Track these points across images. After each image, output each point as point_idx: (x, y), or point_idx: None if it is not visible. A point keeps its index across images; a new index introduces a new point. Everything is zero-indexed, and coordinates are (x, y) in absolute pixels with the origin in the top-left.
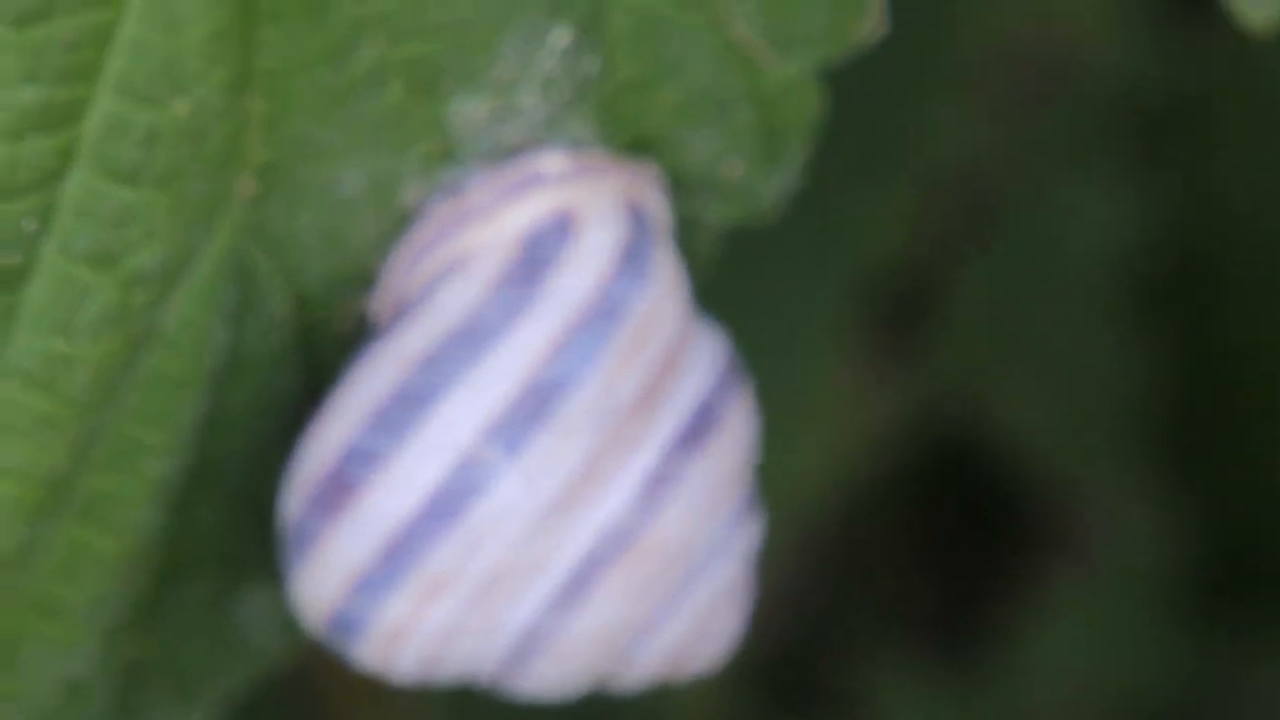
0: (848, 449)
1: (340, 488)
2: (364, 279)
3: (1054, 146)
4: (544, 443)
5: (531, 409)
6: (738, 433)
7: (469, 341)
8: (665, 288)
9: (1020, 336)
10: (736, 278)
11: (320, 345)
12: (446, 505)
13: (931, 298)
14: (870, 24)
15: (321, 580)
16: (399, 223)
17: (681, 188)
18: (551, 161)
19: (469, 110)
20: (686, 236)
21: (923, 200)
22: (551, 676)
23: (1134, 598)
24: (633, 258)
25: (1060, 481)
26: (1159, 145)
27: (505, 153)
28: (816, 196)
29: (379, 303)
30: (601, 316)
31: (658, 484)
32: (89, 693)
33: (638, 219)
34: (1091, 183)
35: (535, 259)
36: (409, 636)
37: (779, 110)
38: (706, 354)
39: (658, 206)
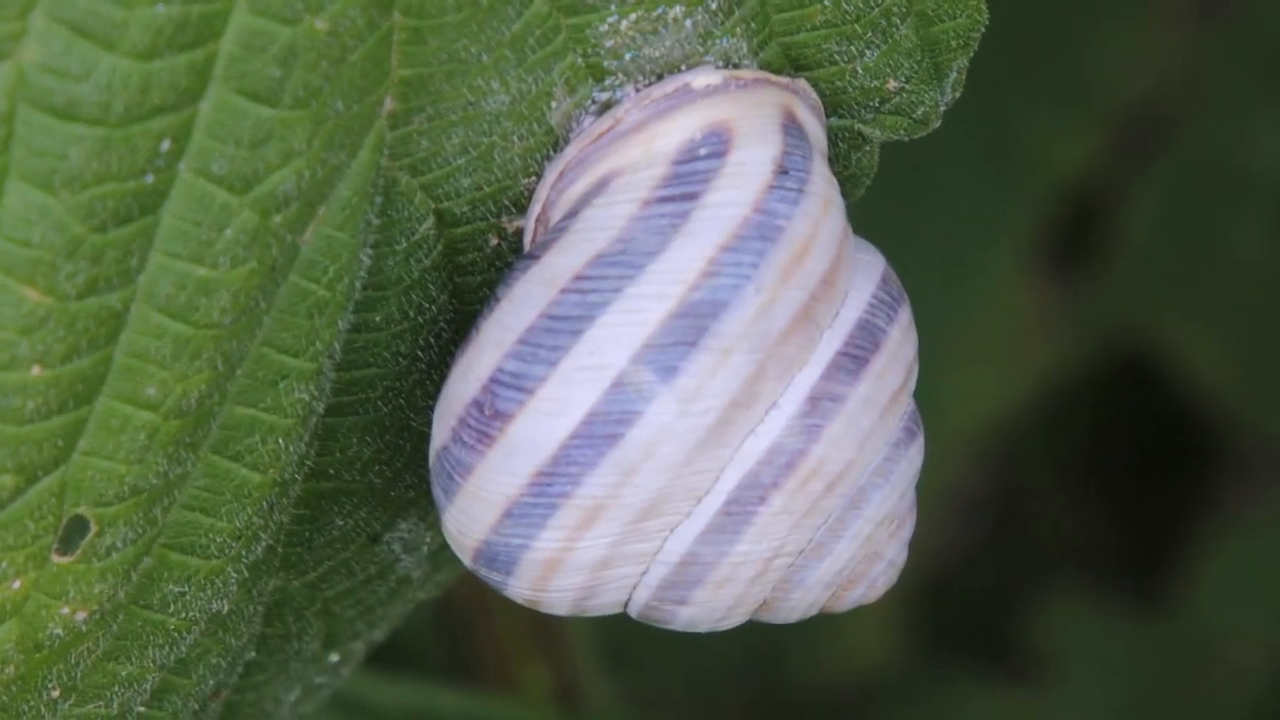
0: (1023, 374)
1: (490, 414)
2: (511, 198)
3: (1234, 66)
4: (699, 365)
5: (686, 330)
6: (897, 352)
7: (621, 262)
8: (822, 204)
9: (1197, 261)
10: (911, 201)
11: (466, 267)
12: (599, 430)
13: (1109, 222)
14: None
15: (473, 510)
16: (546, 140)
17: (838, 102)
18: (702, 76)
19: (615, 23)
20: (844, 151)
21: (1101, 121)
22: (709, 606)
23: None
24: (789, 174)
25: (1239, 410)
26: None
27: (654, 68)
28: (990, 116)
29: (527, 223)
30: (757, 234)
31: (817, 405)
32: (234, 625)
33: (793, 134)
34: (1272, 104)
35: (688, 176)
36: (562, 566)
37: (938, 21)
38: (864, 272)
39: (813, 121)
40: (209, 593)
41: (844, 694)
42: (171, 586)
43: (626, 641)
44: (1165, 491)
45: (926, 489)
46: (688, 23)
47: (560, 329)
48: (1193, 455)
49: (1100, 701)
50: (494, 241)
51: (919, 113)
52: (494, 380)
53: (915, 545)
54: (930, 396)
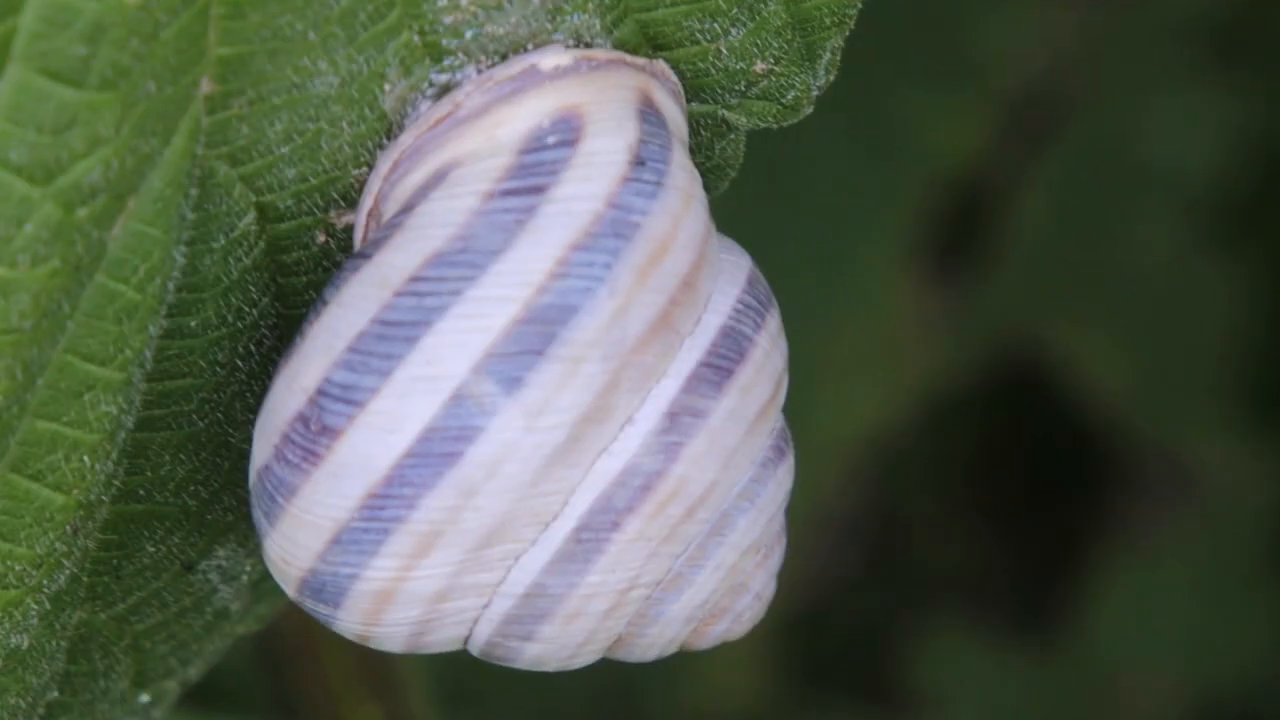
0: (903, 385)
1: (316, 429)
2: (340, 191)
3: (1132, 47)
4: (547, 376)
5: (532, 338)
6: (765, 362)
7: (460, 261)
8: (683, 199)
9: (1094, 260)
10: (781, 195)
11: (291, 267)
12: (436, 448)
13: (997, 217)
14: None
15: (297, 536)
16: (379, 127)
17: (700, 85)
18: (551, 57)
19: None
20: (707, 140)
21: (989, 107)
22: (557, 642)
23: (1219, 553)
24: (646, 165)
25: (1139, 425)
26: (1242, 47)
27: (498, 47)
28: (868, 102)
29: (357, 218)
30: (611, 231)
31: (677, 421)
32: (34, 662)
33: (650, 121)
34: (1174, 90)
35: (535, 167)
36: (396, 598)
37: None
38: (729, 274)
39: (673, 107)
40: (7, 626)
41: None
42: None
43: (467, 679)
44: (1058, 514)
45: (797, 511)
46: None
47: (394, 336)
48: (1088, 474)
49: None
50: (321, 239)
51: (789, 97)
52: (321, 392)
53: (785, 573)
54: (801, 410)
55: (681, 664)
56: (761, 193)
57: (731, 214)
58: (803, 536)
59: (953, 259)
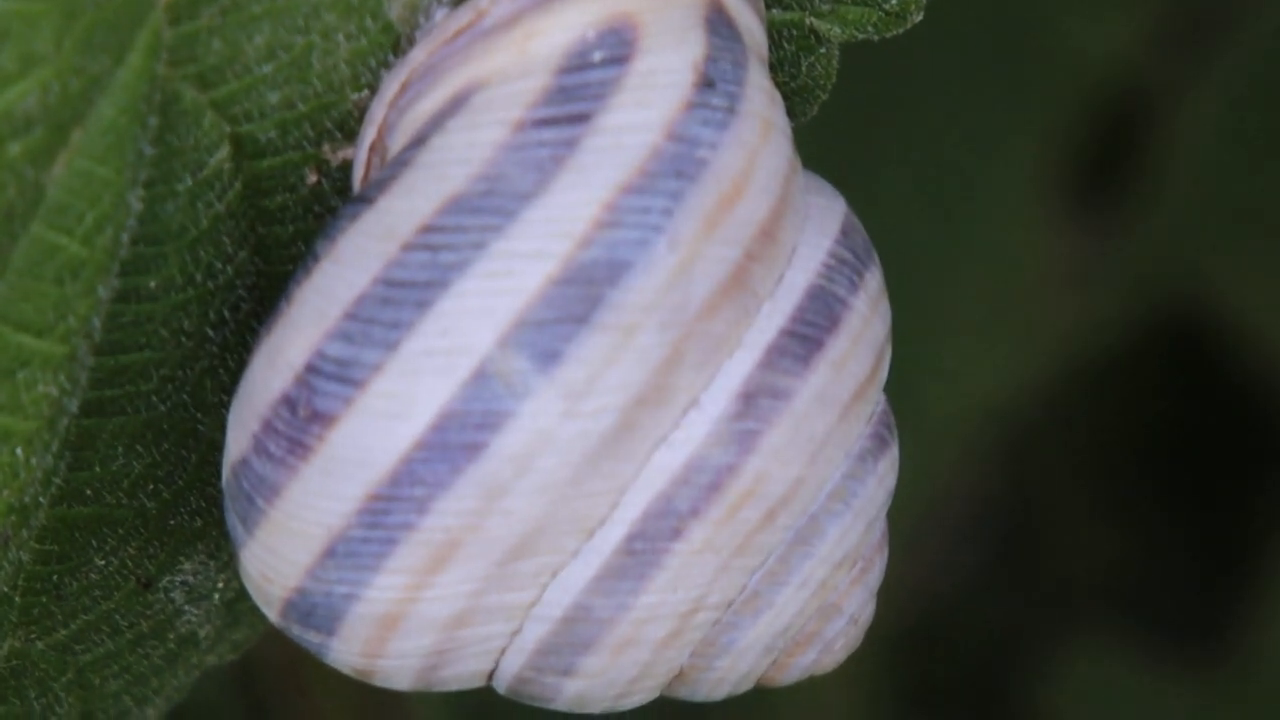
0: (1037, 348)
1: (306, 415)
2: (335, 120)
3: None
4: (592, 349)
5: (574, 302)
6: (863, 331)
7: (484, 207)
8: (760, 128)
9: (1269, 190)
10: (883, 121)
11: (274, 213)
12: (455, 438)
13: (1153, 139)
14: None
15: (281, 547)
16: (384, 40)
17: None
18: None
19: None
20: (792, 55)
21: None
22: (605, 678)
23: None
24: (715, 87)
25: None
26: None
27: None
28: (996, 3)
29: (357, 153)
30: (672, 170)
31: (752, 403)
32: None
33: (721, 32)
34: None
35: (577, 90)
36: (403, 623)
37: None
38: (818, 221)
39: (748, 14)
40: None
41: None
42: None
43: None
44: (1226, 503)
45: (903, 505)
46: None
47: (401, 299)
48: (1261, 453)
49: None
50: (312, 179)
51: (894, 1)
52: (311, 369)
53: (888, 583)
54: (909, 383)
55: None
56: (862, 118)
57: (822, 146)
58: (911, 536)
59: (1098, 191)
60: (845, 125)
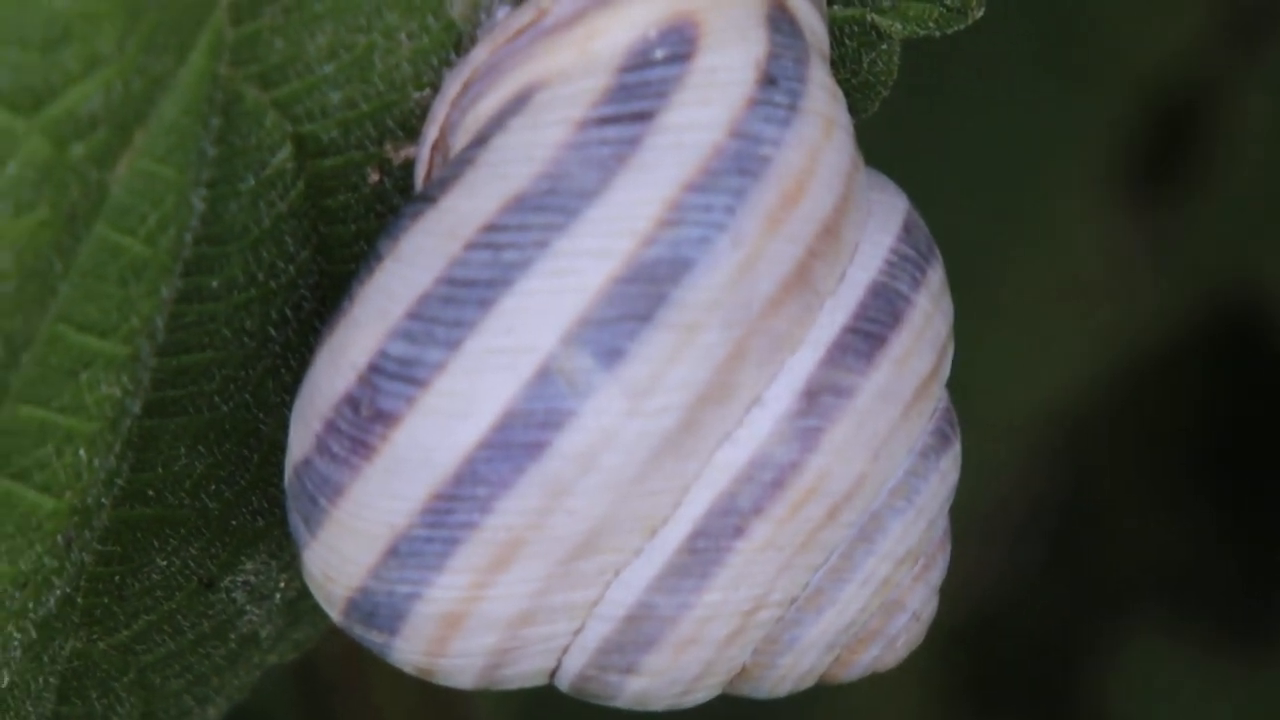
0: (1098, 341)
1: (369, 415)
2: (397, 119)
3: None
4: (655, 347)
5: (637, 300)
6: (925, 328)
7: (547, 205)
8: (822, 125)
9: None
10: (949, 115)
11: (336, 213)
12: (518, 437)
13: (1214, 131)
14: None
15: (344, 546)
16: (446, 39)
17: None
18: None
19: None
20: (853, 52)
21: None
22: (667, 676)
23: None
24: (777, 84)
25: None
26: None
27: None
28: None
29: (419, 152)
30: (735, 168)
31: (816, 401)
32: (16, 704)
33: (783, 29)
34: None
35: (639, 88)
36: (466, 622)
37: None
38: (880, 218)
39: (810, 11)
40: None
41: None
42: None
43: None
44: (1275, 498)
45: (963, 502)
46: None
47: (464, 298)
48: None
49: None
50: (375, 178)
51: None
52: (374, 369)
53: (950, 578)
54: (969, 378)
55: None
56: (923, 113)
57: (884, 143)
58: (970, 531)
59: (1158, 184)
60: (907, 121)
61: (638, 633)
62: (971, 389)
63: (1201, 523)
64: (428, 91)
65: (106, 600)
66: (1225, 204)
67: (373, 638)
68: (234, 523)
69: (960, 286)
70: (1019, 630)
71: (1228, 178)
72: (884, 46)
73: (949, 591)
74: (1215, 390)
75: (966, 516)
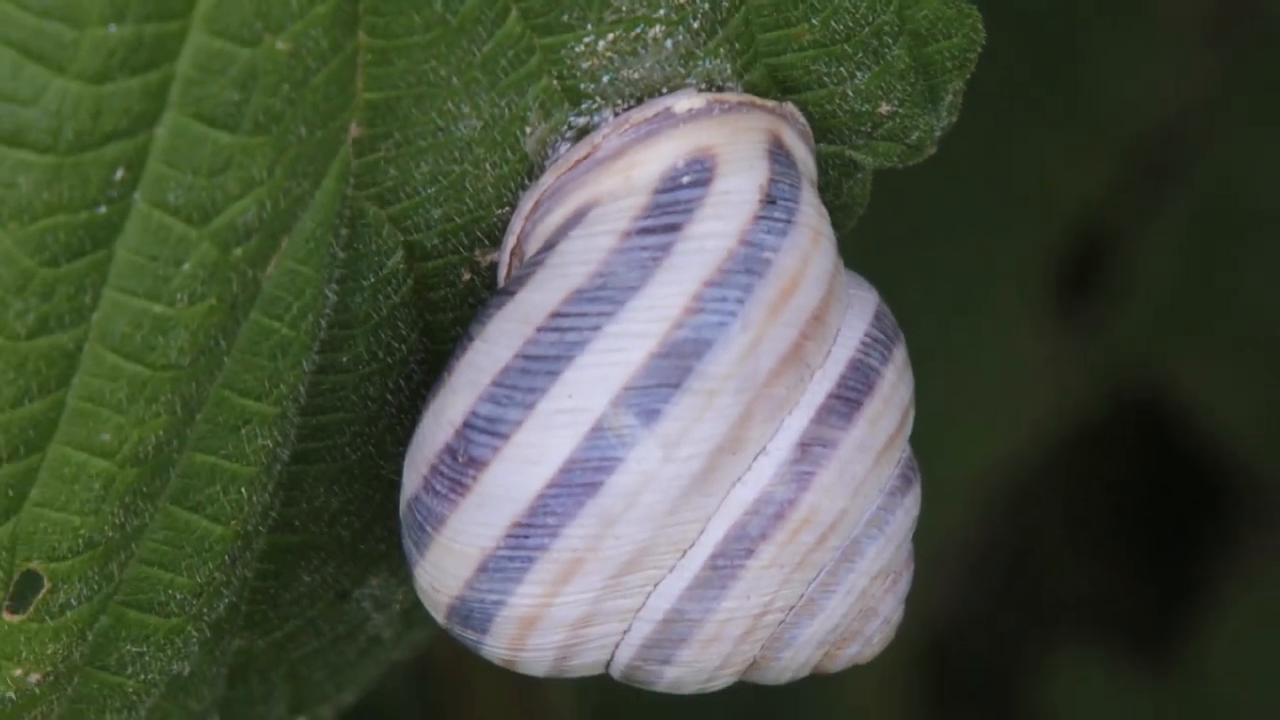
0: (1030, 418)
1: (464, 461)
2: (484, 230)
3: (1256, 92)
4: (683, 408)
5: (669, 371)
6: (892, 394)
7: (600, 298)
8: (812, 236)
9: (1217, 299)
10: (908, 233)
11: (437, 303)
12: (578, 479)
13: (1122, 257)
14: None
15: (446, 564)
16: (520, 168)
17: (827, 127)
18: (684, 100)
19: (592, 44)
20: (835, 179)
21: (1114, 149)
22: (695, 666)
23: None
24: (776, 203)
25: (1259, 458)
26: None
27: (634, 91)
28: (993, 143)
29: (501, 256)
30: (743, 268)
31: (808, 451)
32: (195, 689)
33: (780, 161)
34: None
35: (670, 206)
36: (540, 623)
37: (932, 41)
38: (857, 309)
39: (802, 148)
40: (169, 653)
41: None
42: (129, 646)
43: (613, 705)
44: (1178, 543)
45: (926, 544)
46: (668, 43)
47: (536, 370)
48: (1210, 505)
49: None
50: (466, 276)
51: (913, 138)
52: (467, 425)
53: (915, 601)
54: (928, 442)
55: (815, 691)
56: (889, 231)
57: (859, 251)
58: (932, 568)
59: (1078, 298)
60: (876, 236)
61: (672, 632)
62: (933, 452)
63: (1113, 562)
64: (507, 209)
65: (264, 608)
66: (1137, 310)
67: (469, 636)
68: (362, 547)
69: (920, 364)
70: (970, 646)
71: (1138, 290)
72: (859, 175)
73: (915, 615)
74: (1130, 460)
75: (927, 555)
